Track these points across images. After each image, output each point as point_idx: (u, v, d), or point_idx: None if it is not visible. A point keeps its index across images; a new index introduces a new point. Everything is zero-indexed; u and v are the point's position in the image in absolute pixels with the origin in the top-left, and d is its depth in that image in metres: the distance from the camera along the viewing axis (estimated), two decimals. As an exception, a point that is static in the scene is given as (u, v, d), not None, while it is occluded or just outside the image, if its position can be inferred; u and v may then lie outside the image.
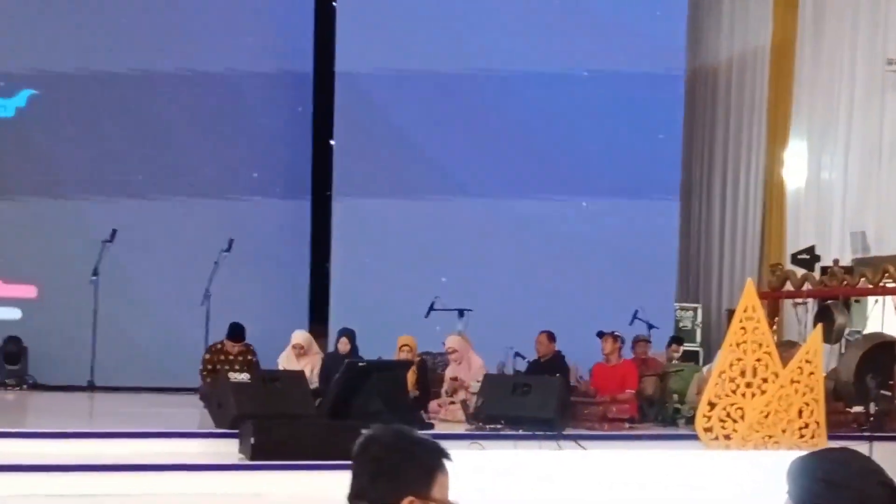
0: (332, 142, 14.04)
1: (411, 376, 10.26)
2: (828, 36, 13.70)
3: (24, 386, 12.45)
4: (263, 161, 14.35)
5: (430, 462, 2.30)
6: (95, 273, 12.35)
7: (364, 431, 2.33)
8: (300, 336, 11.27)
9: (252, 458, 7.98)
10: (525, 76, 13.83)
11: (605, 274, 13.19)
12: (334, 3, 14.07)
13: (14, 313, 13.15)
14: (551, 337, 11.17)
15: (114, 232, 12.42)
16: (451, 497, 2.26)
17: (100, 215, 12.94)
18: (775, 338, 10.31)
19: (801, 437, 9.27)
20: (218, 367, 10.85)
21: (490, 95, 14.00)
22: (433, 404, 10.44)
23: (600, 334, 11.38)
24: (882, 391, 10.78)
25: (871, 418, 10.56)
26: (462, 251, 13.27)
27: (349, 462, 2.27)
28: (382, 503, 2.23)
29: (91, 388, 12.36)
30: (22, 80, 13.75)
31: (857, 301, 11.95)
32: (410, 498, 2.22)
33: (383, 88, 13.85)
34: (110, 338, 12.57)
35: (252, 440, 8.01)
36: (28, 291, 13.24)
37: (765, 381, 9.35)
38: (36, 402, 11.62)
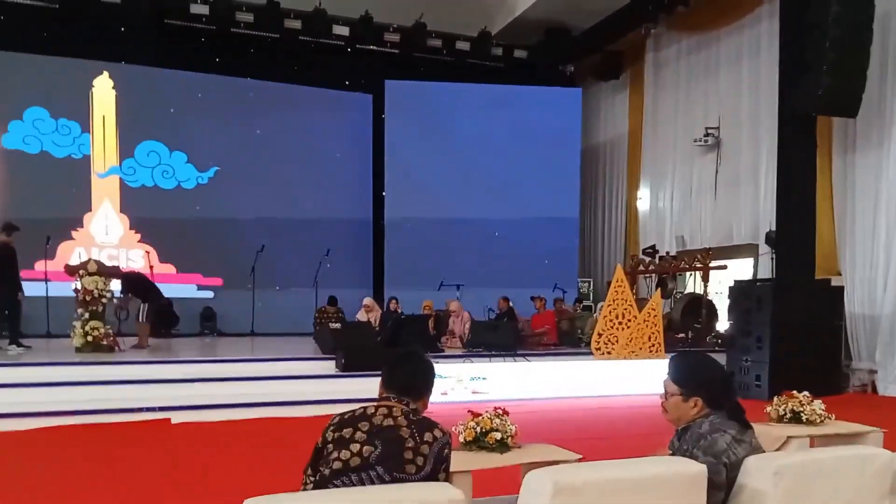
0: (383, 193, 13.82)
1: (431, 323, 10.30)
2: (660, 125, 13.50)
3: (215, 334, 12.31)
4: (348, 202, 14.02)
5: (433, 378, 2.38)
6: (253, 270, 12.22)
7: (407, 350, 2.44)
8: (368, 301, 11.04)
9: (343, 371, 8.04)
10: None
11: (540, 264, 13.12)
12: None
13: (209, 294, 12.81)
14: (506, 300, 11.11)
15: (262, 246, 12.22)
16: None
17: (254, 236, 12.62)
18: (635, 296, 10.36)
19: (651, 351, 9.31)
20: (322, 320, 10.92)
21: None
22: (444, 339, 10.42)
23: (533, 297, 11.48)
24: (695, 325, 10.94)
25: (689, 340, 10.76)
26: (461, 254, 12.80)
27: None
28: (418, 396, 2.28)
29: (252, 334, 12.26)
30: (209, 158, 13.14)
31: (680, 275, 12.04)
32: (426, 398, 2.31)
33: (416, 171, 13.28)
34: (263, 306, 12.38)
35: (342, 360, 8.10)
36: (217, 281, 12.90)
37: (629, 320, 9.38)
38: (221, 342, 11.50)
